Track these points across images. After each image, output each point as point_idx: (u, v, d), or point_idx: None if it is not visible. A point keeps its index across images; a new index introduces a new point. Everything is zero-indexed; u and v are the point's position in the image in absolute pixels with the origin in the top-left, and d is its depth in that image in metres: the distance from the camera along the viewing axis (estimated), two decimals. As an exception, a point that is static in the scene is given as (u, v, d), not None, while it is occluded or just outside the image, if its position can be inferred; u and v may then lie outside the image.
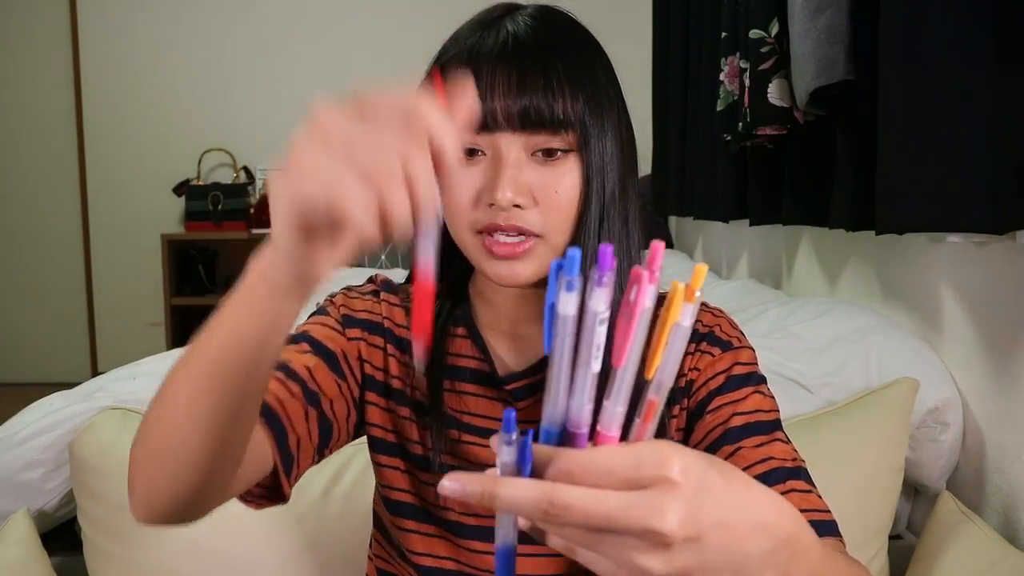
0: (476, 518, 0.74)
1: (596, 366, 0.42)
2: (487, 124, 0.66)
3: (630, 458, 0.40)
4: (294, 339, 0.74)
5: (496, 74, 0.65)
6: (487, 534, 0.74)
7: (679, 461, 0.40)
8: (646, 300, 0.41)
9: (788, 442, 0.71)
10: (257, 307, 0.50)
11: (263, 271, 0.50)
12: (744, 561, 0.43)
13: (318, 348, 0.73)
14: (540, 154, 0.67)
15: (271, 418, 0.66)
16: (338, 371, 0.74)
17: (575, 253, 0.40)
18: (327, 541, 1.16)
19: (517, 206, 0.65)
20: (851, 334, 1.39)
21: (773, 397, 0.74)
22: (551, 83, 0.66)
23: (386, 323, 0.78)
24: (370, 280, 0.83)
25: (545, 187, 0.66)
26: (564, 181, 0.67)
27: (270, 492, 0.67)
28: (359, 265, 3.67)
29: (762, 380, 0.75)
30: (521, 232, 0.66)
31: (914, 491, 1.39)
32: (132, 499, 0.59)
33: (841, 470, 1.19)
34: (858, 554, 1.17)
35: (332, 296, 0.80)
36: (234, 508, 1.18)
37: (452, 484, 0.42)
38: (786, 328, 1.49)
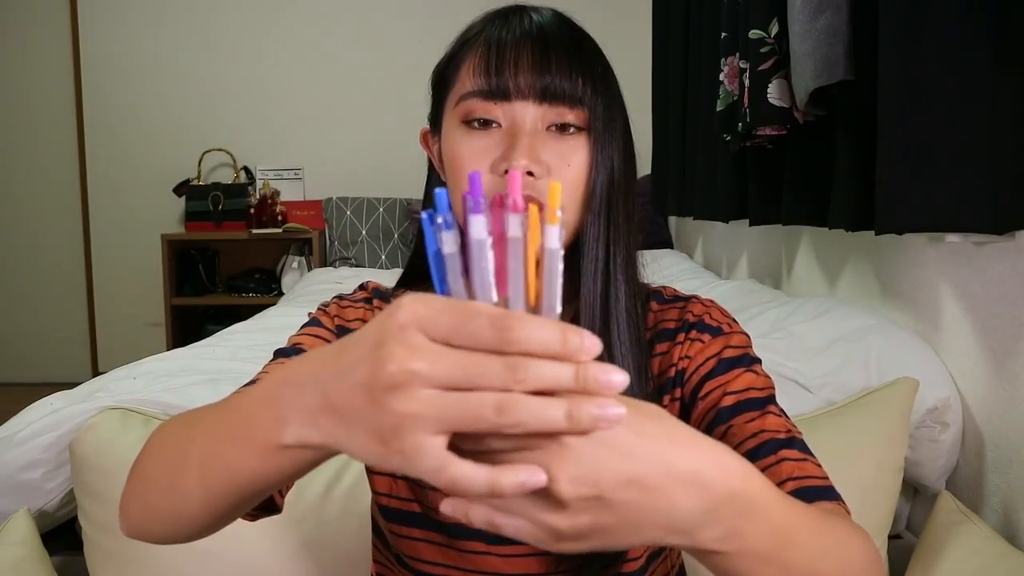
0: None
1: (493, 296, 0.42)
2: (507, 94, 0.67)
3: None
4: (286, 352, 0.74)
5: (521, 50, 0.68)
6: (485, 535, 0.74)
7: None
8: (510, 229, 0.41)
9: (782, 415, 0.70)
10: (270, 461, 0.48)
11: (284, 436, 0.46)
12: (675, 518, 0.42)
13: None
14: (555, 128, 0.69)
15: None
16: None
17: (442, 192, 0.42)
18: (327, 541, 1.16)
19: (531, 174, 0.66)
20: (851, 334, 1.39)
21: (768, 376, 0.73)
22: (573, 65, 0.68)
23: None
24: (361, 287, 0.82)
25: (559, 158, 0.68)
26: (576, 156, 0.68)
27: (264, 505, 0.67)
28: (358, 265, 3.67)
29: (755, 361, 0.74)
30: (530, 201, 0.66)
31: (913, 491, 1.39)
32: (123, 522, 0.59)
33: (841, 470, 1.18)
34: (858, 554, 1.17)
35: (325, 306, 0.80)
36: (234, 508, 1.18)
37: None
38: (786, 328, 1.49)
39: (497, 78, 0.67)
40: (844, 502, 0.66)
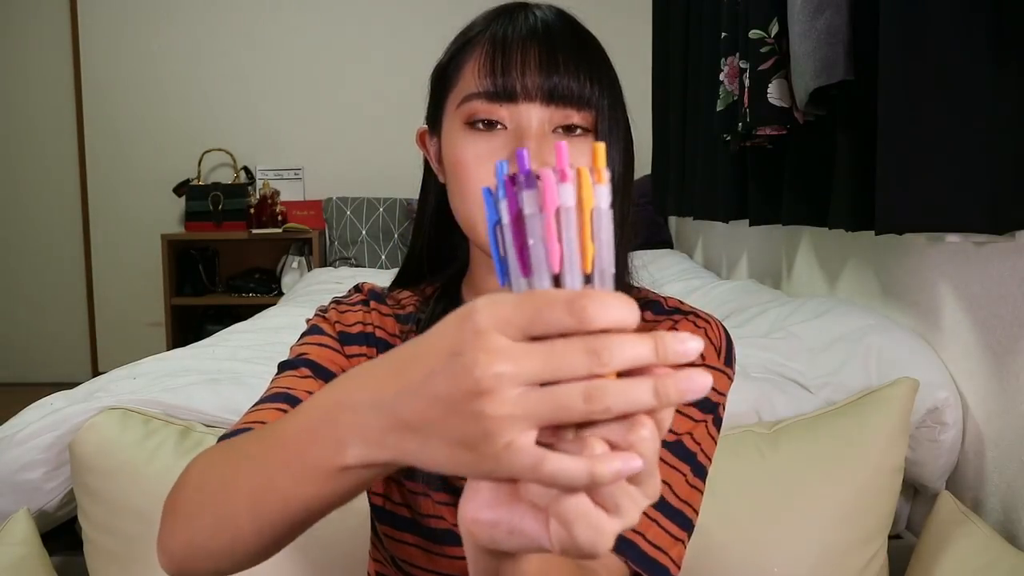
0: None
1: (549, 270, 0.41)
2: (513, 95, 0.66)
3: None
4: (293, 363, 0.72)
5: (527, 49, 0.66)
6: None
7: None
8: (557, 197, 0.40)
9: (696, 479, 0.71)
10: (329, 485, 0.47)
11: (346, 459, 0.45)
12: None
13: (319, 372, 0.72)
14: (560, 130, 0.68)
15: None
16: None
17: (501, 164, 0.41)
18: (326, 541, 1.16)
19: (538, 178, 0.65)
20: (851, 334, 1.39)
21: (714, 440, 0.73)
22: (580, 65, 0.67)
23: (377, 332, 0.77)
24: (356, 289, 0.81)
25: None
26: (583, 159, 0.67)
27: None
28: (359, 265, 3.67)
29: (715, 415, 0.73)
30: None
31: (914, 491, 1.39)
32: (165, 560, 0.57)
33: (841, 470, 1.19)
34: (858, 553, 1.17)
35: (323, 311, 0.78)
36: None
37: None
38: (786, 328, 1.49)
39: (503, 79, 0.66)
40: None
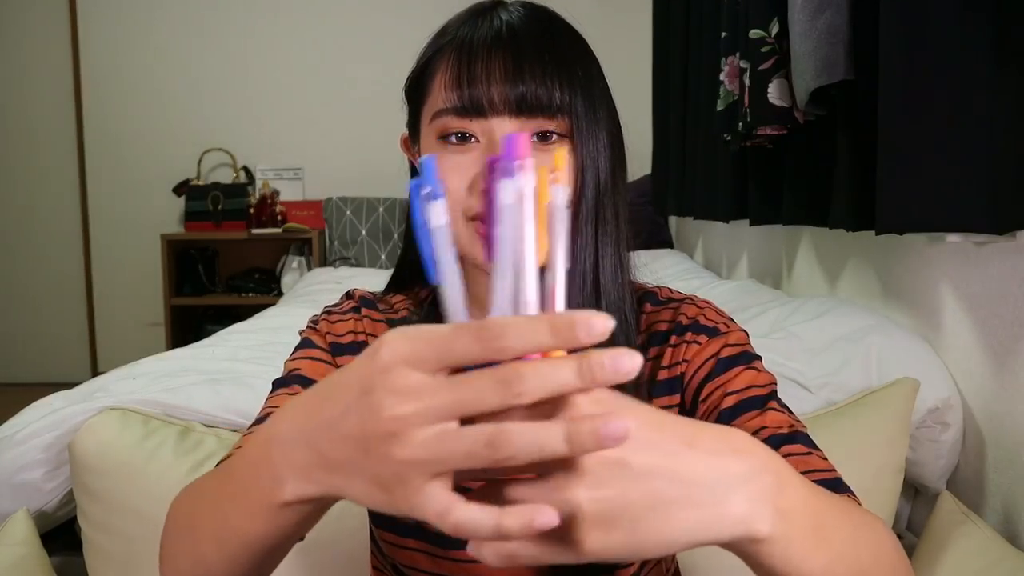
0: None
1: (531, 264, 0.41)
2: (482, 110, 0.65)
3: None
4: (285, 381, 0.72)
5: (492, 60, 0.65)
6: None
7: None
8: (503, 196, 0.40)
9: (784, 411, 0.68)
10: (275, 520, 0.47)
11: (284, 494, 0.44)
12: (714, 490, 0.40)
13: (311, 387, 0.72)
14: (535, 139, 0.66)
15: None
16: None
17: (429, 161, 0.41)
18: (326, 541, 1.16)
19: None
20: (851, 334, 1.39)
21: (769, 373, 0.71)
22: (548, 70, 0.65)
23: (369, 340, 0.76)
24: (347, 296, 0.80)
25: None
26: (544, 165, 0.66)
27: None
28: (358, 265, 3.67)
29: (755, 357, 0.71)
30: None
31: (914, 491, 1.39)
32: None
33: (841, 470, 1.18)
34: (858, 554, 1.17)
35: (314, 322, 0.78)
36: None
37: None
38: (786, 328, 1.49)
39: (470, 92, 0.64)
40: (854, 494, 0.64)
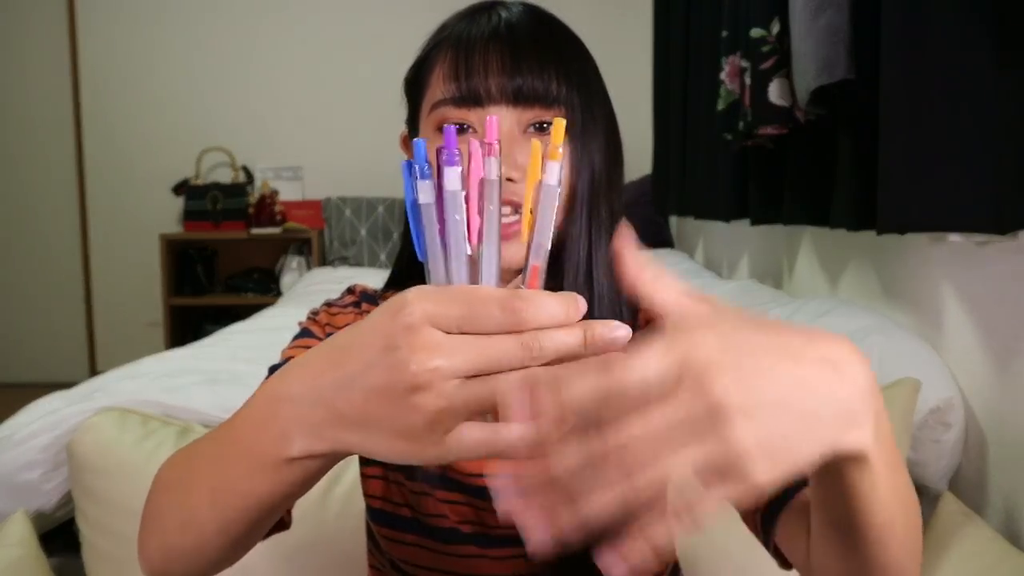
0: (470, 525, 0.73)
1: (467, 248, 0.43)
2: (479, 99, 0.65)
3: (655, 350, 0.37)
4: (279, 368, 0.72)
5: (490, 52, 0.66)
6: (476, 539, 0.73)
7: (700, 336, 0.38)
8: (482, 170, 0.43)
9: None
10: (279, 476, 0.47)
11: (291, 450, 0.45)
12: (844, 407, 0.39)
13: None
14: (532, 129, 0.67)
15: None
16: None
17: (420, 141, 0.43)
18: (324, 542, 1.15)
19: (510, 179, 0.65)
20: (852, 334, 1.38)
21: None
22: (545, 63, 0.66)
23: None
24: (349, 291, 0.81)
25: None
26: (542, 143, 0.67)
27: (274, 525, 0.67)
28: (358, 264, 3.67)
29: None
30: (512, 206, 0.65)
31: (916, 491, 1.38)
32: (144, 564, 0.57)
33: (842, 471, 1.18)
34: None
35: (315, 314, 0.78)
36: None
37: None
38: (787, 328, 1.48)
39: (467, 82, 0.65)
40: None
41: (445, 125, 0.44)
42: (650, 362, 0.37)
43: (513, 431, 0.39)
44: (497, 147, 0.43)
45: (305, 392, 0.44)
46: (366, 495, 0.78)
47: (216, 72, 4.02)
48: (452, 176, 0.42)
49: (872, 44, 1.25)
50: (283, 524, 0.66)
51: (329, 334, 0.76)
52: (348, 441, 0.43)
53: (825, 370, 0.40)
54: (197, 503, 0.52)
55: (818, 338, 0.41)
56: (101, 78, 4.00)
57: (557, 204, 0.43)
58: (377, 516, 0.77)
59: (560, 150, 0.43)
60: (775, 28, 1.56)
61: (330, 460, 0.47)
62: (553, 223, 0.44)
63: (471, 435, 0.40)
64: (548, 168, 0.43)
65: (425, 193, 0.42)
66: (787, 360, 0.39)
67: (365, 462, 0.78)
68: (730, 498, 0.37)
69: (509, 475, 0.38)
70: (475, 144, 0.43)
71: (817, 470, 0.44)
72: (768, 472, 0.37)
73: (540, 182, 0.43)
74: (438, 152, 0.42)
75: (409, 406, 0.40)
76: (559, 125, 0.44)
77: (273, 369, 0.73)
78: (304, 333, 0.77)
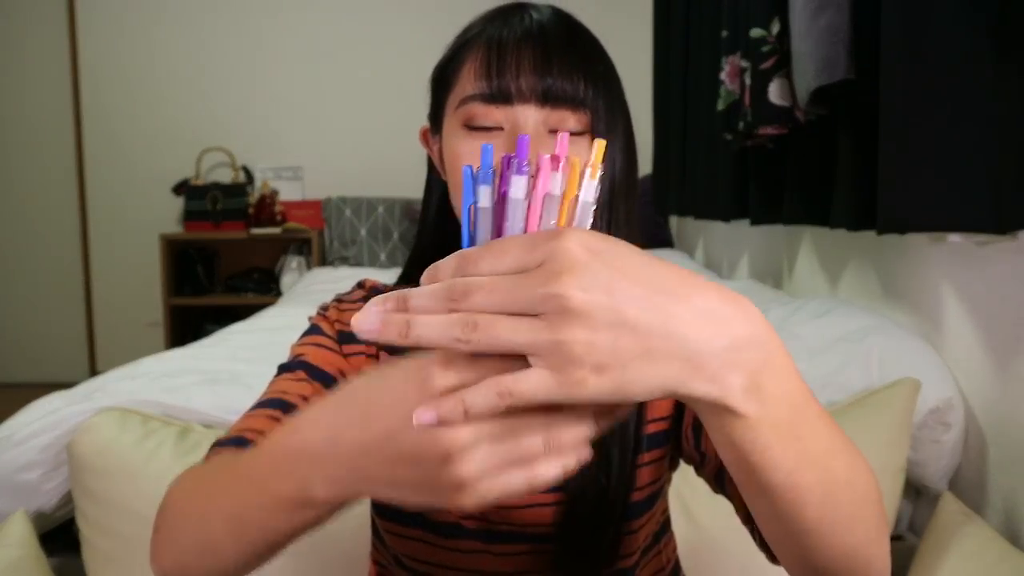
0: (473, 520, 0.73)
1: None
2: (509, 97, 0.66)
3: (525, 236, 0.41)
4: (290, 366, 0.73)
5: (522, 51, 0.66)
6: (480, 535, 0.73)
7: (575, 233, 0.40)
8: (549, 184, 0.43)
9: None
10: (301, 515, 0.49)
11: (313, 497, 0.47)
12: (697, 349, 0.40)
13: (314, 374, 0.72)
14: (556, 131, 0.67)
15: None
16: None
17: (488, 148, 0.43)
18: (327, 541, 1.15)
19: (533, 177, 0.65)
20: (852, 334, 1.38)
21: None
22: (574, 66, 0.67)
23: None
24: (359, 285, 0.82)
25: None
26: (580, 159, 0.67)
27: None
28: (358, 264, 3.67)
29: None
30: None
31: (916, 492, 1.38)
32: (157, 569, 0.59)
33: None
34: (860, 555, 1.17)
35: (324, 309, 0.79)
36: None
37: (365, 318, 0.41)
38: (787, 328, 1.48)
39: (498, 80, 0.66)
40: None
41: (520, 135, 0.44)
42: (515, 245, 0.40)
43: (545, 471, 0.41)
44: (566, 163, 0.43)
45: (327, 451, 0.45)
46: None
47: (216, 72, 4.02)
48: (519, 185, 0.42)
49: (872, 44, 1.25)
50: None
51: (339, 330, 0.76)
52: (376, 492, 0.44)
53: (697, 317, 0.40)
54: (216, 531, 0.53)
55: (713, 291, 0.42)
56: (101, 78, 3.99)
57: (589, 222, 0.44)
58: (382, 511, 0.78)
59: (599, 171, 0.44)
60: (775, 28, 1.56)
61: (353, 501, 0.48)
62: None
63: (494, 491, 0.41)
64: (586, 186, 0.44)
65: (485, 197, 0.43)
66: (659, 294, 0.40)
67: None
68: (563, 398, 0.39)
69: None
70: (544, 158, 0.43)
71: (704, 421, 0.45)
72: (594, 385, 0.39)
73: (577, 199, 0.44)
74: (508, 159, 0.43)
75: (442, 474, 0.41)
76: (600, 146, 0.44)
77: (283, 368, 0.74)
78: (314, 330, 0.77)
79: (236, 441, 0.64)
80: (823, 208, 1.52)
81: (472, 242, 0.44)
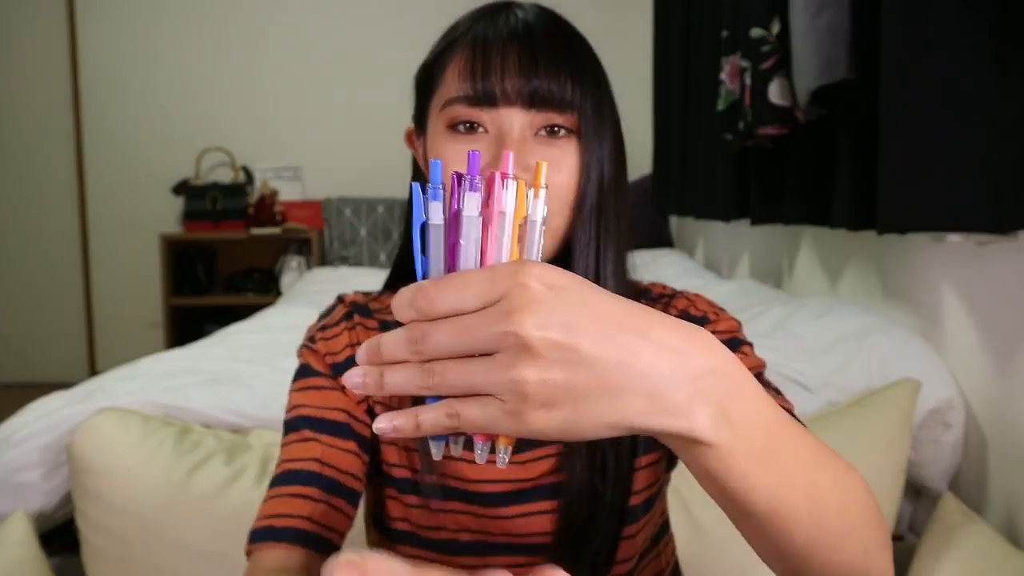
0: (470, 534, 0.73)
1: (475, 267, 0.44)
2: (494, 99, 0.65)
3: (484, 272, 0.40)
4: (294, 425, 0.71)
5: (507, 53, 0.65)
6: (480, 548, 0.73)
7: (535, 269, 0.40)
8: (502, 204, 0.43)
9: (772, 392, 0.68)
10: None
11: None
12: (656, 387, 0.40)
13: (319, 427, 0.71)
14: (543, 132, 0.66)
15: (312, 540, 0.66)
16: (349, 435, 0.71)
17: (437, 163, 0.43)
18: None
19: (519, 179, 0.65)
20: (852, 334, 1.38)
21: (760, 358, 0.71)
22: (561, 66, 0.65)
23: None
24: (340, 300, 0.79)
25: (549, 164, 0.66)
26: (566, 161, 0.66)
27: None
28: (358, 264, 3.67)
29: (745, 343, 0.72)
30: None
31: (916, 492, 1.38)
32: None
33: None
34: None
35: (311, 342, 0.75)
36: (231, 510, 1.18)
37: (350, 377, 0.43)
38: (787, 328, 1.48)
39: (483, 82, 0.65)
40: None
41: (470, 151, 0.43)
42: (476, 280, 0.40)
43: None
44: (544, 192, 0.44)
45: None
46: (386, 464, 0.76)
47: (216, 72, 4.02)
48: (472, 203, 0.42)
49: (872, 44, 1.25)
50: (334, 548, 0.68)
51: (331, 364, 0.73)
52: None
53: (657, 351, 0.40)
54: None
55: (672, 325, 0.42)
56: (101, 78, 3.99)
57: (541, 241, 0.44)
58: (377, 527, 0.77)
59: (543, 190, 0.44)
60: (775, 28, 1.56)
61: None
62: (538, 256, 0.44)
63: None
64: (533, 205, 0.44)
65: (436, 214, 0.43)
66: (617, 330, 0.40)
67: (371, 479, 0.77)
68: (509, 431, 0.40)
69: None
70: (495, 176, 0.43)
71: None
72: (542, 419, 0.39)
73: (526, 218, 0.44)
74: (458, 177, 0.43)
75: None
76: (540, 167, 0.44)
77: (286, 427, 0.72)
78: (305, 371, 0.74)
79: (269, 532, 0.65)
80: (823, 208, 1.52)
81: (420, 258, 0.44)
